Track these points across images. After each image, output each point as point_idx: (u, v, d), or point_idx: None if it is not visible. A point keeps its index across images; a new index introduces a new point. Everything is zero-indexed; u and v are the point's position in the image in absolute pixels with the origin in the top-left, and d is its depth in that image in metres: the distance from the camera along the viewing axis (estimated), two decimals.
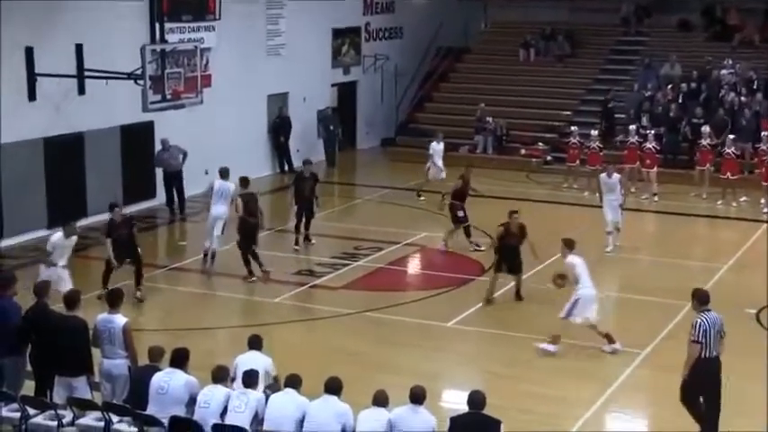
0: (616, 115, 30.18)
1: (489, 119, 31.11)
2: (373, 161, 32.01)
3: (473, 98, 32.18)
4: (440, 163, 25.94)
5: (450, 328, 16.61)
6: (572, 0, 35.14)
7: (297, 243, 21.02)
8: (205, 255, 19.59)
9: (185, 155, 23.74)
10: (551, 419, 12.91)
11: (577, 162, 27.05)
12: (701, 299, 12.15)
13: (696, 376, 11.91)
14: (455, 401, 12.22)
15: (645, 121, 28.96)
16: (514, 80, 33.28)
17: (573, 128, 28.24)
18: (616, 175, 20.87)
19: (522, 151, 30.49)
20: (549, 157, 29.96)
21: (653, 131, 27.21)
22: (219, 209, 19.35)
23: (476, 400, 10.32)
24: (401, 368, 14.37)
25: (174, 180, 23.87)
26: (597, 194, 21.64)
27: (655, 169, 26.10)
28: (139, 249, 17.71)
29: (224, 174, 19.59)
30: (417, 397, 10.38)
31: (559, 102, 32.13)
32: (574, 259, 15.62)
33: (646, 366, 14.92)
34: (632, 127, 27.43)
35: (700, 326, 11.83)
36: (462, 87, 33.95)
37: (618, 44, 34.01)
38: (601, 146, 26.95)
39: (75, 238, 16.41)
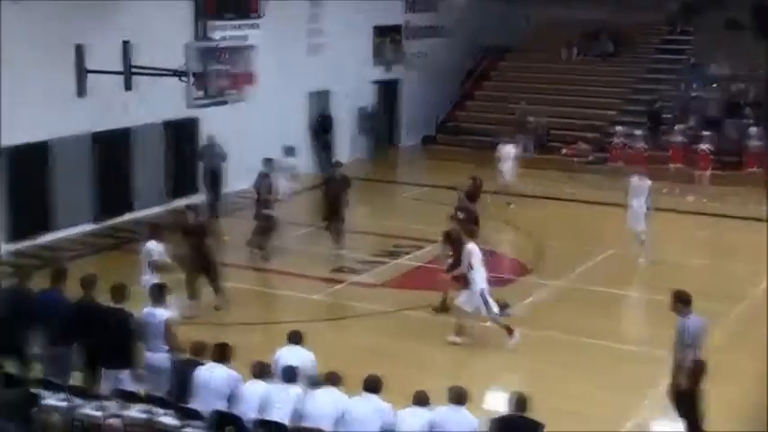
0: (662, 116, 29.99)
1: (530, 118, 31.10)
2: (413, 159, 32.10)
3: (514, 97, 32.18)
4: (507, 166, 24.98)
5: (489, 328, 16.63)
6: None
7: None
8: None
9: (224, 158, 23.74)
10: (595, 423, 12.84)
11: (620, 162, 26.96)
12: (684, 301, 11.97)
13: (696, 381, 11.80)
14: (496, 403, 12.28)
15: (692, 121, 28.83)
16: (556, 79, 33.18)
17: (617, 128, 28.15)
18: (648, 181, 20.32)
19: (564, 150, 30.46)
20: (591, 157, 29.90)
21: (707, 133, 26.88)
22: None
23: (518, 401, 10.31)
24: (441, 368, 14.45)
25: (214, 177, 23.96)
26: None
27: (708, 172, 25.79)
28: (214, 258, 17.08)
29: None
30: (459, 397, 10.38)
31: (602, 101, 32.03)
32: None
33: None
34: (678, 127, 27.27)
35: (688, 329, 11.75)
36: (504, 86, 33.96)
37: (663, 43, 33.82)
38: (646, 146, 26.85)
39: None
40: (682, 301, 12.00)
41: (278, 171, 21.33)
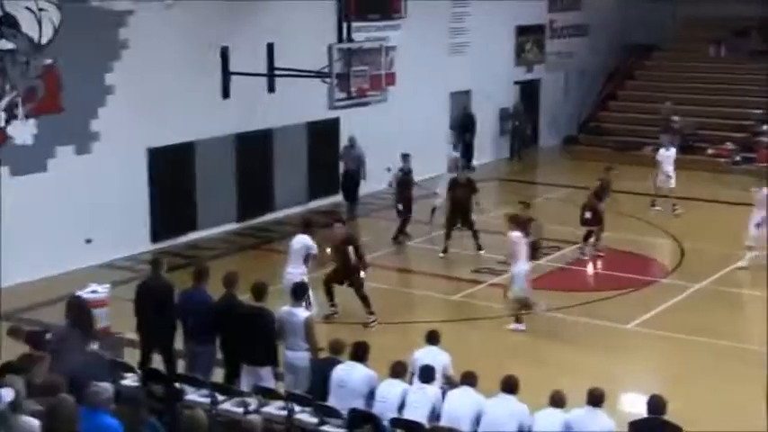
0: None
1: (676, 118, 30.42)
2: (555, 159, 31.77)
3: (660, 96, 31.52)
4: (668, 170, 24.13)
5: (631, 331, 16.39)
6: None
7: (445, 251, 20.53)
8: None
9: (364, 160, 23.83)
10: (733, 428, 12.56)
11: None
12: None
13: None
14: (634, 405, 12.08)
15: None
16: (703, 78, 32.39)
17: (764, 127, 27.32)
18: (765, 190, 19.63)
19: (710, 151, 29.69)
20: (738, 158, 29.07)
21: None
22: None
23: (656, 404, 10.15)
24: (579, 369, 14.27)
25: (352, 179, 24.05)
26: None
27: None
28: (362, 274, 16.79)
29: None
30: (596, 399, 10.29)
31: (751, 100, 31.05)
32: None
33: None
34: None
35: None
36: (649, 85, 33.31)
37: None
38: None
39: None
40: None
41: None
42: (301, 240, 15.93)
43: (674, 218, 23.10)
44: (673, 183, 23.94)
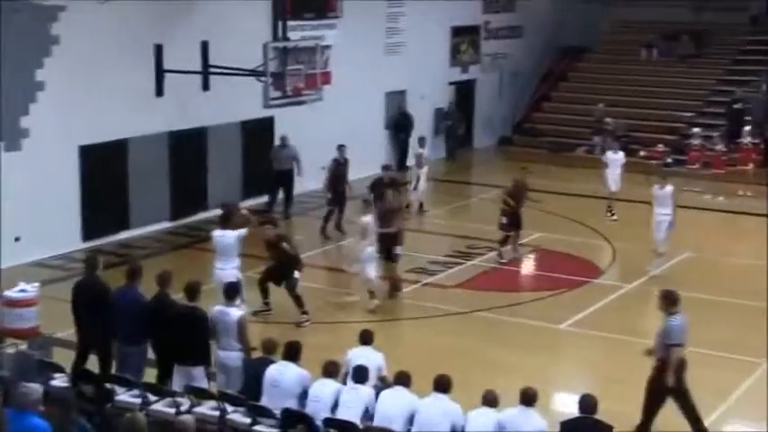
0: (744, 118, 29.43)
1: (608, 119, 30.78)
2: (489, 160, 31.96)
3: (592, 98, 31.91)
4: (616, 173, 23.63)
5: (564, 331, 16.53)
6: None
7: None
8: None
9: (297, 159, 23.70)
10: (668, 427, 12.72)
11: (698, 165, 26.54)
12: (672, 300, 12.13)
13: (682, 380, 11.98)
14: (566, 405, 12.19)
15: None
16: (635, 80, 32.83)
17: (695, 130, 27.75)
18: (669, 188, 19.28)
19: (642, 153, 30.09)
20: (669, 159, 29.48)
21: None
22: None
23: (587, 404, 10.25)
24: (512, 369, 14.36)
25: (285, 178, 23.84)
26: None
27: None
28: (296, 274, 16.77)
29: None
30: (528, 399, 10.36)
31: (682, 103, 31.58)
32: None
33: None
34: (746, 128, 26.81)
35: (680, 328, 11.96)
36: (582, 87, 33.68)
37: (746, 44, 33.16)
38: (724, 149, 26.43)
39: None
40: (670, 300, 12.17)
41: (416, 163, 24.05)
42: (232, 234, 15.73)
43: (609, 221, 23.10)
44: (617, 187, 23.62)
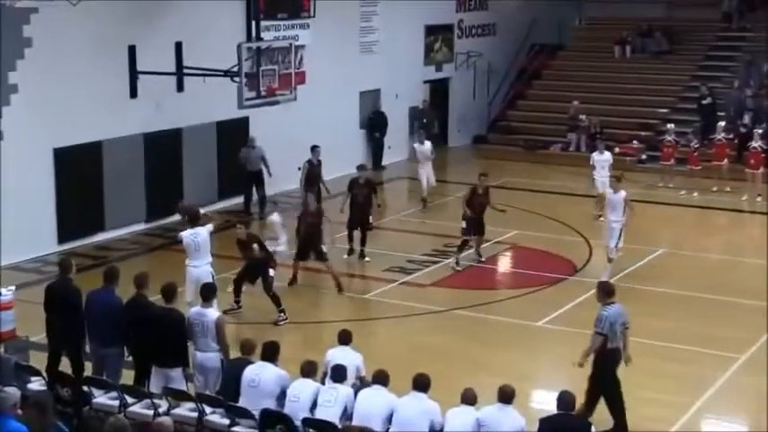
0: (717, 113, 29.56)
1: (583, 117, 30.89)
2: (464, 158, 31.97)
3: (567, 96, 32.01)
4: (603, 175, 22.99)
5: (541, 328, 16.59)
6: None
7: (350, 253, 20.33)
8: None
9: (265, 160, 23.62)
10: (646, 422, 12.78)
11: (672, 161, 26.63)
12: (607, 291, 12.51)
13: (604, 367, 12.24)
14: (545, 402, 12.23)
15: (747, 119, 28.43)
16: (609, 77, 32.94)
17: (668, 126, 27.87)
18: (622, 193, 18.51)
19: (616, 149, 30.16)
20: (644, 156, 29.58)
21: (760, 130, 26.45)
22: None
23: (565, 400, 10.30)
24: (490, 367, 14.41)
25: (255, 179, 23.78)
26: (598, 213, 21.82)
27: (761, 170, 25.31)
28: (271, 272, 16.83)
29: None
30: (507, 396, 10.40)
31: (656, 99, 31.70)
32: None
33: (744, 372, 14.68)
34: (721, 124, 26.95)
35: (606, 318, 12.14)
36: (556, 85, 33.77)
37: (718, 40, 33.32)
38: (698, 145, 26.56)
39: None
40: (604, 291, 12.55)
41: (421, 159, 24.62)
42: (204, 231, 15.72)
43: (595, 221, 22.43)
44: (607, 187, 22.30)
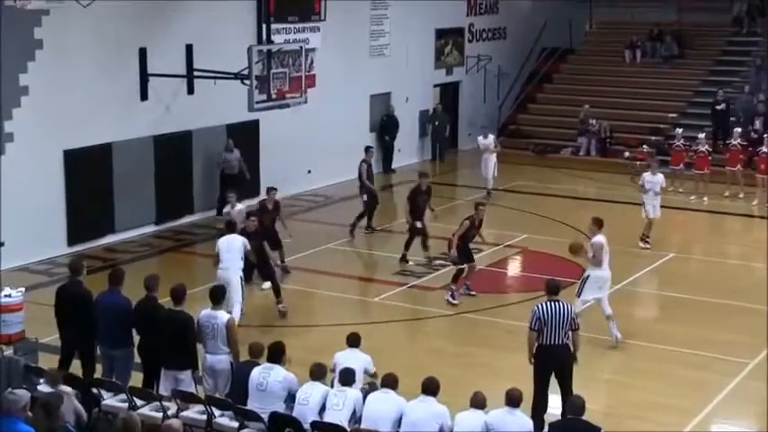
0: (730, 118, 29.49)
1: (593, 121, 30.84)
2: (474, 162, 31.84)
3: (577, 99, 31.95)
4: (655, 200, 21.26)
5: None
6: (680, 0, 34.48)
7: (403, 260, 20.13)
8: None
9: (243, 165, 23.40)
10: (655, 427, 12.77)
11: (682, 165, 26.55)
12: (549, 289, 12.68)
13: (538, 362, 12.38)
14: (555, 406, 12.21)
15: (758, 124, 28.36)
16: (619, 81, 32.89)
17: (678, 130, 27.80)
18: (599, 237, 16.08)
19: (626, 154, 30.15)
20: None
21: None
22: None
23: (575, 405, 10.25)
24: (500, 371, 14.37)
25: (232, 183, 23.03)
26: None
27: None
28: (265, 285, 17.47)
29: None
30: (514, 400, 10.40)
31: (666, 104, 31.63)
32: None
33: (754, 378, 14.61)
34: (737, 130, 26.84)
35: (534, 313, 12.36)
36: (566, 89, 33.70)
37: (729, 45, 33.25)
38: (710, 149, 26.46)
39: None
40: (546, 288, 12.74)
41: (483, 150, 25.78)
42: (239, 239, 16.06)
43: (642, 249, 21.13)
44: (658, 212, 21.27)
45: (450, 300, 17.70)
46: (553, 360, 12.38)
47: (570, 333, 12.42)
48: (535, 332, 12.34)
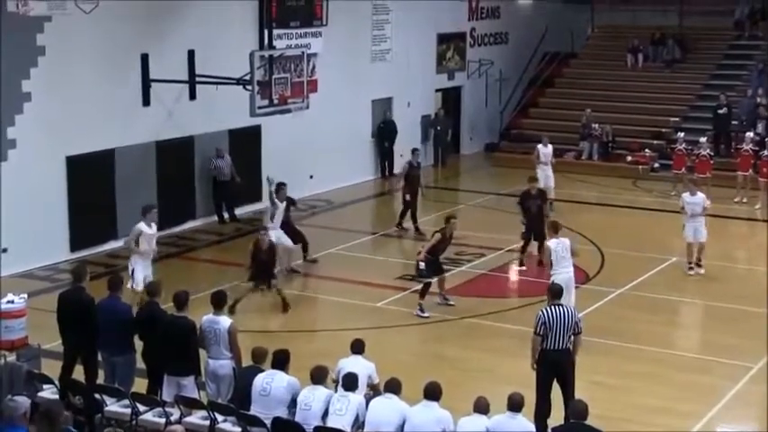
0: (731, 122, 29.49)
1: (595, 125, 30.84)
2: (476, 166, 31.99)
3: (579, 104, 31.95)
4: (698, 223, 19.91)
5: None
6: (682, 3, 34.48)
7: (521, 264, 20.25)
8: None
9: (234, 171, 23.44)
10: (652, 428, 12.78)
11: (683, 169, 26.50)
12: (553, 293, 12.76)
13: (541, 367, 12.40)
14: (557, 411, 12.20)
15: (760, 128, 28.37)
16: (621, 86, 32.91)
17: (679, 134, 27.80)
18: (565, 241, 16.36)
19: (629, 158, 30.16)
20: (656, 164, 29.54)
21: None
22: None
23: (578, 409, 10.23)
24: (502, 376, 14.37)
25: (225, 190, 23.55)
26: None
27: None
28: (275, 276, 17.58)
29: None
30: (516, 404, 10.40)
31: (668, 108, 31.63)
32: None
33: (756, 382, 14.58)
34: (749, 135, 26.79)
35: (539, 318, 12.33)
36: (568, 93, 33.71)
37: (731, 48, 33.25)
38: (711, 153, 26.44)
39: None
40: (550, 293, 12.85)
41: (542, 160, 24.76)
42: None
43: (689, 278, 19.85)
44: (701, 236, 19.89)
45: (420, 314, 17.32)
46: (556, 365, 12.37)
47: (573, 337, 12.40)
48: (540, 337, 12.32)
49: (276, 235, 18.51)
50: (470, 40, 33.03)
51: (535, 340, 12.39)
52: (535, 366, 12.47)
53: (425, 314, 17.37)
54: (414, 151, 23.31)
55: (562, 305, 12.54)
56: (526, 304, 18.10)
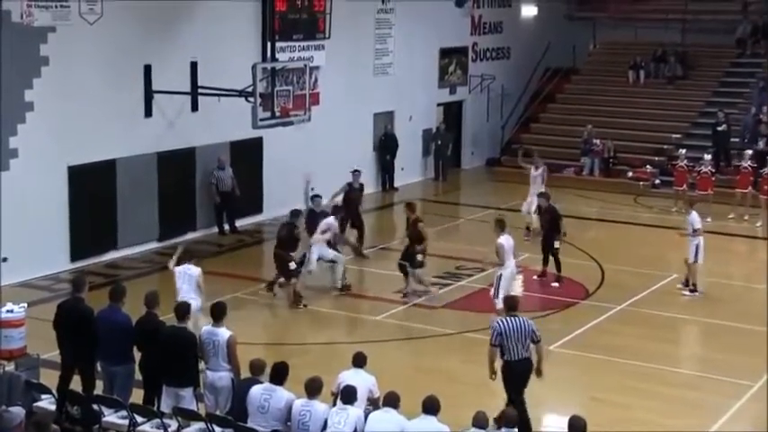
0: (730, 139, 29.53)
1: (596, 140, 30.89)
2: (477, 181, 32.00)
3: (580, 119, 32.02)
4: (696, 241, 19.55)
5: (552, 352, 16.46)
6: (684, 21, 34.55)
7: (542, 275, 20.48)
8: None
9: (235, 183, 23.45)
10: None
11: (685, 186, 26.51)
12: (509, 305, 13.07)
13: (505, 379, 12.68)
14: (556, 426, 12.18)
15: (762, 145, 28.38)
16: (623, 102, 32.97)
17: (681, 151, 27.82)
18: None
19: (630, 174, 30.19)
20: (657, 181, 29.57)
21: None
22: None
23: (576, 425, 10.23)
24: (500, 390, 14.31)
25: (227, 202, 23.53)
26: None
27: None
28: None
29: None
30: (510, 420, 10.41)
31: (669, 124, 31.69)
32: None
33: (757, 400, 14.55)
34: (748, 152, 26.80)
35: (495, 330, 12.62)
36: (569, 108, 33.77)
37: (732, 66, 33.36)
38: (713, 170, 26.44)
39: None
40: (507, 305, 13.13)
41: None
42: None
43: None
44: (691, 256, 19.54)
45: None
46: (518, 374, 12.65)
47: (532, 345, 12.68)
48: (497, 348, 12.58)
49: (319, 251, 19.02)
50: (472, 54, 33.09)
51: (491, 351, 12.66)
52: (493, 377, 12.77)
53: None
54: (354, 173, 22.73)
55: (518, 316, 12.78)
56: None
